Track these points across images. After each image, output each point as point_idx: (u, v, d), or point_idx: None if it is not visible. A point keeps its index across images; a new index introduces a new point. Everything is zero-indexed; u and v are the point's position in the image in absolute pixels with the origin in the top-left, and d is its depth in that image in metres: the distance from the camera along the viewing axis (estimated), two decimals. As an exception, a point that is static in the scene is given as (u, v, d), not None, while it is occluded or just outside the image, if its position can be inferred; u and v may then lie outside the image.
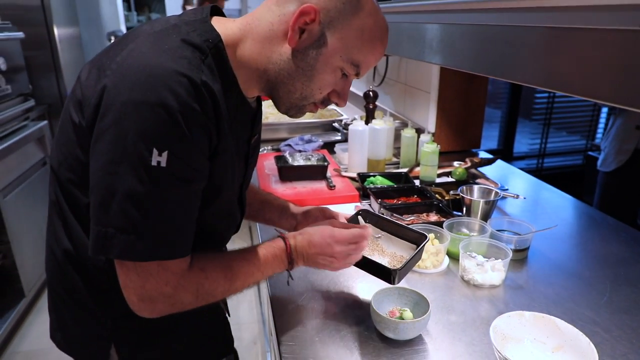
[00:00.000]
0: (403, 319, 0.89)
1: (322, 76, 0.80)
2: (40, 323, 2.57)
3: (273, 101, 0.85)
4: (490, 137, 3.81)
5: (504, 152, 3.72)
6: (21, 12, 3.27)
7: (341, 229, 0.92)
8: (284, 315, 0.99)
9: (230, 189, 0.85)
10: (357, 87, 2.98)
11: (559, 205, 1.61)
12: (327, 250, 0.89)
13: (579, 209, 1.60)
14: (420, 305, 0.94)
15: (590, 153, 3.27)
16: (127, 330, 0.86)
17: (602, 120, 3.90)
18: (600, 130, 3.93)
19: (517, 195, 1.46)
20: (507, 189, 1.60)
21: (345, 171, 1.73)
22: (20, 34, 2.72)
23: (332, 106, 2.73)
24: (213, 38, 0.75)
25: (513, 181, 1.81)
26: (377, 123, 1.75)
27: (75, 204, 0.79)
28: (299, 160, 1.74)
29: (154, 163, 0.65)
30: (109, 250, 0.68)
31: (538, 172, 3.86)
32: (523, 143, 3.88)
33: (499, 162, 1.89)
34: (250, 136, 0.91)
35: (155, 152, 0.65)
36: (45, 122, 2.92)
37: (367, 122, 1.85)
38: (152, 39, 0.72)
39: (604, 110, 3.85)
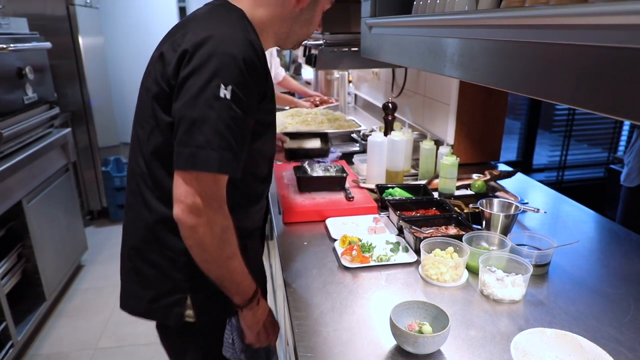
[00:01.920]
0: (422, 333, 0.89)
1: (317, 18, 1.12)
2: (60, 326, 2.61)
3: (280, 45, 1.14)
4: (509, 149, 3.77)
5: (524, 164, 3.68)
6: (48, 22, 3.37)
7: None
8: (301, 326, 1.00)
9: (274, 126, 1.11)
10: (376, 99, 2.99)
11: (580, 219, 1.59)
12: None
13: (601, 223, 1.57)
14: (439, 319, 0.93)
15: (612, 166, 3.21)
16: (203, 278, 0.98)
17: (625, 133, 3.84)
18: (622, 143, 3.86)
19: (538, 209, 1.45)
20: (527, 203, 1.59)
21: (364, 182, 1.74)
22: (48, 44, 2.80)
23: (351, 116, 2.75)
24: (239, 10, 1.00)
25: (533, 194, 1.79)
26: (396, 134, 1.76)
27: (168, 171, 0.97)
28: (317, 171, 1.75)
29: (221, 95, 0.86)
30: (194, 164, 0.87)
31: (558, 185, 3.81)
32: (543, 155, 3.83)
33: (519, 175, 1.88)
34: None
35: (222, 87, 0.86)
36: (69, 129, 2.99)
37: (385, 134, 1.86)
38: (207, 17, 0.97)
39: (627, 122, 3.79)
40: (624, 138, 3.84)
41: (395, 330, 0.90)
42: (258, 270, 1.16)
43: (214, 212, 0.90)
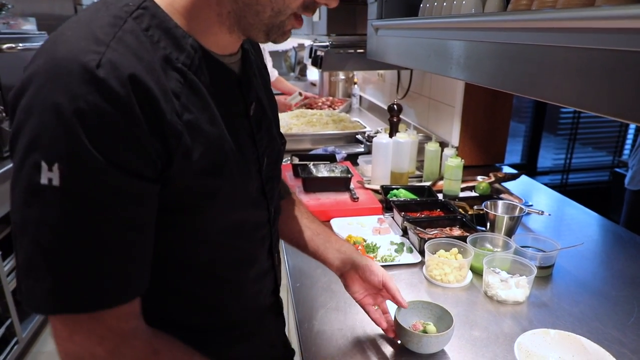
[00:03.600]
0: (426, 333, 0.90)
1: None
2: (64, 324, 2.62)
3: (248, 35, 0.64)
4: (513, 152, 3.77)
5: (528, 167, 3.68)
6: (56, 21, 3.39)
7: None
8: (306, 325, 1.00)
9: (236, 185, 0.65)
10: (381, 100, 3.00)
11: (584, 222, 1.59)
12: None
13: (605, 226, 1.57)
14: (443, 319, 0.94)
15: (617, 170, 3.21)
16: None
17: (630, 136, 3.83)
18: (627, 147, 3.85)
19: (542, 212, 1.45)
20: (531, 205, 1.59)
21: (369, 183, 1.75)
22: (56, 43, 2.81)
23: (356, 117, 2.75)
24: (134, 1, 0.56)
25: (537, 197, 1.79)
26: (401, 136, 1.76)
27: None
28: (323, 172, 1.76)
29: (43, 181, 0.49)
30: (37, 306, 0.52)
31: (562, 188, 3.80)
32: (547, 158, 3.83)
33: (523, 177, 1.88)
34: (245, 107, 0.69)
35: (44, 167, 0.49)
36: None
37: (391, 135, 1.87)
38: (72, 22, 0.55)
39: (632, 126, 3.78)
40: (629, 142, 3.83)
41: (399, 329, 0.90)
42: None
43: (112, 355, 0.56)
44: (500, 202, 1.42)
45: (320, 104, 3.18)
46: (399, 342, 0.93)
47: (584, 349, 0.83)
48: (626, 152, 3.84)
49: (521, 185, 1.85)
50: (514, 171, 1.86)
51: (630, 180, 2.02)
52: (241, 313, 0.76)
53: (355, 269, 0.93)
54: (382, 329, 0.94)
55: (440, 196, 1.62)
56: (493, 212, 1.37)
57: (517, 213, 1.37)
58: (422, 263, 1.24)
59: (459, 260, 1.17)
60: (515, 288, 1.08)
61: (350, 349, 0.93)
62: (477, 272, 1.20)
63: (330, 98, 3.32)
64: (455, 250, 1.21)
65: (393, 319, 0.92)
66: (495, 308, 1.08)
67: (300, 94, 3.19)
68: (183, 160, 0.56)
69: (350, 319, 1.02)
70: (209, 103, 0.61)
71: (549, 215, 1.48)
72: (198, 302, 0.70)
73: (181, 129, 0.55)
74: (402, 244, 1.32)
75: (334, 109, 3.05)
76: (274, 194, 0.78)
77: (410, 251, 1.30)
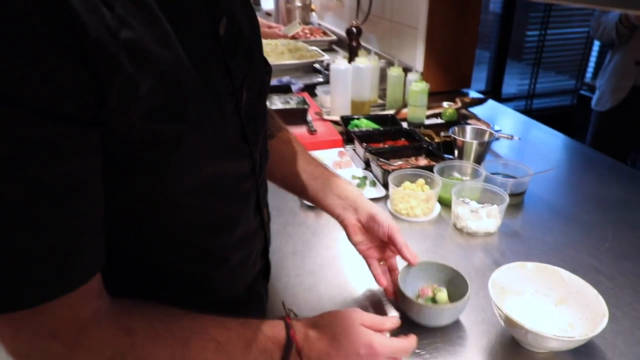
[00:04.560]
0: (435, 302, 0.75)
1: None
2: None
3: None
4: (478, 79, 3.67)
5: (493, 94, 3.61)
6: None
7: (382, 339, 0.61)
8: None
9: (205, 129, 0.49)
10: (339, 26, 2.79)
11: (554, 145, 1.52)
12: None
13: (574, 148, 1.51)
14: (456, 284, 0.77)
15: (582, 92, 3.16)
16: None
17: (593, 59, 3.78)
18: (590, 69, 3.81)
19: (512, 136, 1.37)
20: (499, 130, 1.50)
21: (328, 114, 1.61)
22: None
23: (314, 47, 2.56)
24: None
25: (504, 121, 1.70)
26: (361, 61, 1.61)
27: None
28: (277, 104, 1.61)
29: None
30: None
31: (527, 114, 3.75)
32: (512, 85, 3.76)
33: (490, 102, 1.78)
34: (213, 24, 0.51)
35: None
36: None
37: (350, 61, 1.71)
38: None
39: (595, 48, 3.73)
40: (591, 64, 3.79)
41: (401, 295, 0.74)
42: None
43: (68, 355, 0.45)
44: (468, 128, 1.32)
45: (304, 35, 2.88)
46: (365, 286, 0.84)
47: (563, 280, 0.76)
48: (589, 75, 3.81)
49: (488, 110, 1.75)
50: (481, 96, 1.76)
51: (598, 101, 1.96)
52: (225, 286, 0.62)
53: (358, 217, 0.78)
54: (382, 287, 0.79)
55: (404, 125, 1.50)
56: (461, 139, 1.27)
57: (486, 138, 1.28)
58: (386, 197, 1.14)
59: (425, 192, 1.07)
60: (486, 218, 1.00)
61: (309, 295, 0.84)
62: (445, 204, 1.11)
63: (310, 26, 3.04)
64: (421, 181, 1.11)
65: (398, 277, 0.77)
66: (466, 241, 1.00)
67: (299, 23, 2.85)
68: (124, 95, 0.40)
69: (309, 263, 0.92)
70: (158, 16, 0.43)
71: (519, 139, 1.40)
72: (171, 278, 0.56)
73: (116, 51, 0.38)
74: (365, 177, 1.22)
75: (315, 37, 2.80)
76: (258, 137, 0.62)
77: (374, 185, 1.20)
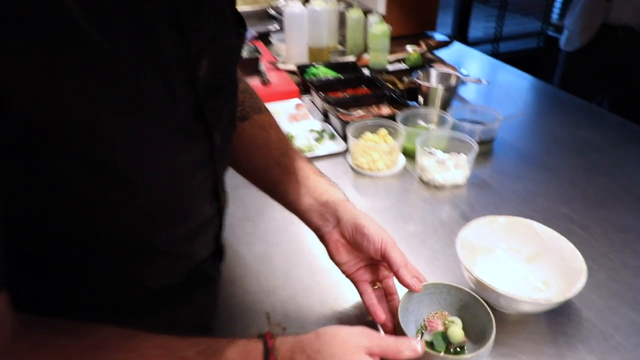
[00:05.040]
0: (446, 339, 0.56)
1: None
2: None
3: None
4: (444, 24, 3.54)
5: (459, 38, 3.49)
6: None
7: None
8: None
9: (140, 109, 0.37)
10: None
11: (522, 87, 1.45)
12: None
13: (544, 90, 1.44)
14: (472, 312, 0.58)
15: (549, 33, 3.09)
16: None
17: (559, 0, 3.69)
18: (556, 11, 3.73)
19: (480, 80, 1.28)
20: (467, 74, 1.41)
21: (283, 63, 1.48)
22: None
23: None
24: None
25: (471, 65, 1.61)
26: (317, 4, 1.47)
27: None
28: (226, 53, 1.46)
29: None
30: None
31: (494, 57, 3.68)
32: (478, 28, 3.65)
33: (456, 45, 1.68)
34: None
35: None
36: None
37: (305, 3, 1.56)
38: None
39: (561, -12, 3.63)
40: (557, 4, 3.71)
41: (401, 333, 0.54)
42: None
43: None
44: (433, 72, 1.22)
45: None
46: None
47: (536, 234, 0.70)
48: (555, 16, 3.73)
49: (454, 54, 1.65)
50: (446, 38, 1.65)
51: (567, 41, 1.88)
52: (168, 278, 0.51)
53: (341, 231, 0.60)
54: (378, 322, 0.59)
55: (366, 72, 1.39)
56: (426, 84, 1.17)
57: (453, 83, 1.19)
58: (347, 152, 1.05)
59: (388, 143, 0.98)
60: (453, 169, 0.92)
61: (261, 265, 0.75)
62: (410, 155, 1.02)
63: None
64: (383, 131, 1.01)
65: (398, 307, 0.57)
66: (432, 195, 0.92)
67: None
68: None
69: (261, 230, 0.83)
70: None
71: (487, 83, 1.31)
72: (100, 275, 0.45)
73: None
74: (323, 130, 1.11)
75: None
76: (220, 114, 0.49)
77: (333, 138, 1.10)
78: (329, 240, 0.61)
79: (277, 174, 0.64)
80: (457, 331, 0.56)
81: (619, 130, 1.16)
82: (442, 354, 0.52)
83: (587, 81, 1.80)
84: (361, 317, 0.66)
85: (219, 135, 0.48)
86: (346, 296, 0.69)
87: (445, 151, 0.97)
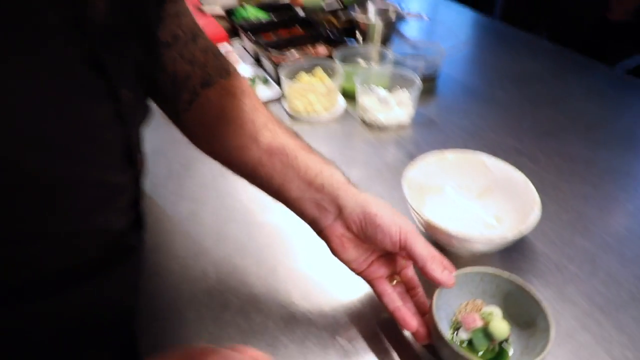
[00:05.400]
0: (490, 336, 0.46)
1: None
2: None
3: None
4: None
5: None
6: None
7: None
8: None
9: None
10: None
11: (463, 22, 1.39)
12: None
13: (485, 25, 1.39)
14: (514, 300, 0.49)
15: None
16: None
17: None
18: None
19: (421, 15, 1.20)
20: (407, 10, 1.33)
21: (209, 6, 1.33)
22: None
23: None
24: None
25: (411, 0, 1.53)
26: (242, -63, 1.32)
27: None
28: None
29: None
30: None
31: None
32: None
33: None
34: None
35: None
36: None
37: (229, -62, 1.41)
38: None
39: None
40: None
41: (437, 336, 0.45)
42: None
43: None
44: (371, 7, 1.13)
45: None
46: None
47: (486, 168, 0.65)
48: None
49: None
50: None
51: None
52: (78, 257, 0.40)
53: (346, 222, 0.48)
54: (410, 331, 0.49)
55: (300, 12, 1.28)
56: (364, 20, 1.09)
57: (392, 18, 1.11)
58: (283, 96, 0.96)
59: (326, 83, 0.89)
60: (397, 108, 0.86)
61: (189, 227, 0.66)
62: (350, 96, 0.94)
63: None
64: (319, 71, 0.93)
65: (430, 307, 0.47)
66: (376, 136, 0.86)
67: None
68: None
69: (187, 187, 0.74)
70: None
71: (428, 19, 1.24)
72: None
73: None
74: (256, 76, 1.01)
75: None
76: (127, 65, 0.39)
77: (266, 82, 1.00)
78: (330, 235, 0.49)
79: (255, 153, 0.50)
80: (501, 326, 0.46)
81: (560, 61, 1.13)
82: None
83: (527, 13, 1.77)
84: (297, 272, 0.59)
85: (127, 91, 0.38)
86: (285, 253, 0.62)
87: (387, 89, 0.90)
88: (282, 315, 0.53)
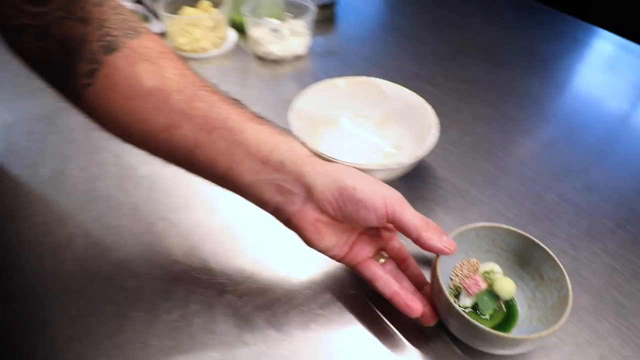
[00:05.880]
0: (494, 296, 0.42)
1: None
2: None
3: None
4: None
5: None
6: None
7: None
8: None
9: None
10: None
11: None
12: None
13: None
14: (523, 255, 0.44)
15: None
16: None
17: None
18: None
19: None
20: None
21: None
22: None
23: None
24: None
25: None
26: None
27: None
28: None
29: None
30: None
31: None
32: None
33: None
34: None
35: None
36: None
37: None
38: None
39: None
40: None
41: (444, 304, 0.39)
42: None
43: None
44: None
45: None
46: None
47: (382, 93, 0.60)
48: None
49: None
50: None
51: None
52: None
53: (318, 202, 0.39)
54: (414, 316, 0.41)
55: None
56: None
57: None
58: (165, 34, 0.85)
59: (212, 15, 0.79)
60: (291, 38, 0.78)
61: (41, 195, 0.57)
62: (240, 29, 0.85)
63: None
64: (204, 2, 0.82)
65: (433, 279, 0.40)
66: (272, 71, 0.78)
67: None
68: None
69: (51, 141, 0.63)
70: None
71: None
72: None
73: None
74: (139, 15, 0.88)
75: None
76: None
77: (147, 20, 0.88)
78: (302, 223, 0.40)
79: (189, 133, 0.38)
80: (506, 284, 0.41)
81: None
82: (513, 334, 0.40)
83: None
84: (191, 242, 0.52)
85: None
86: (167, 206, 0.54)
87: (280, 19, 0.82)
88: (161, 277, 0.47)
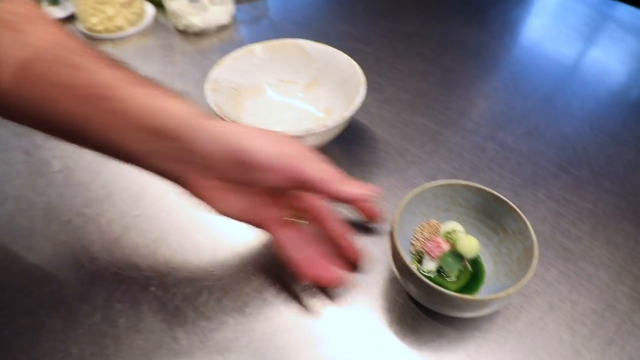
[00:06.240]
0: (459, 257, 0.40)
1: None
2: None
3: None
4: None
5: None
6: None
7: None
8: None
9: None
10: None
11: None
12: None
13: None
14: (471, 206, 0.42)
15: None
16: None
17: None
18: None
19: None
20: None
21: None
22: None
23: None
24: None
25: None
26: None
27: None
28: None
29: None
30: None
31: None
32: None
33: None
34: None
35: None
36: None
37: None
38: None
39: None
40: None
41: (403, 268, 0.36)
42: None
43: None
44: None
45: None
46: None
47: (308, 56, 0.56)
48: None
49: None
50: None
51: None
52: None
53: (213, 169, 0.35)
54: (318, 283, 0.40)
55: None
56: None
57: None
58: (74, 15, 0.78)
59: (122, -9, 0.73)
60: (212, 6, 0.73)
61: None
62: (158, 3, 0.79)
63: None
64: (113, -24, 0.76)
65: (392, 244, 0.37)
66: (195, 45, 0.73)
67: None
68: None
69: None
70: None
71: None
72: None
73: None
74: (40, -5, 0.81)
75: None
76: None
77: (55, 3, 0.80)
78: (202, 190, 0.36)
79: (71, 106, 0.33)
80: (469, 242, 0.39)
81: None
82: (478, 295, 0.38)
83: None
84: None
85: None
86: (85, 200, 0.50)
87: (200, -13, 0.76)
88: (80, 278, 0.43)
